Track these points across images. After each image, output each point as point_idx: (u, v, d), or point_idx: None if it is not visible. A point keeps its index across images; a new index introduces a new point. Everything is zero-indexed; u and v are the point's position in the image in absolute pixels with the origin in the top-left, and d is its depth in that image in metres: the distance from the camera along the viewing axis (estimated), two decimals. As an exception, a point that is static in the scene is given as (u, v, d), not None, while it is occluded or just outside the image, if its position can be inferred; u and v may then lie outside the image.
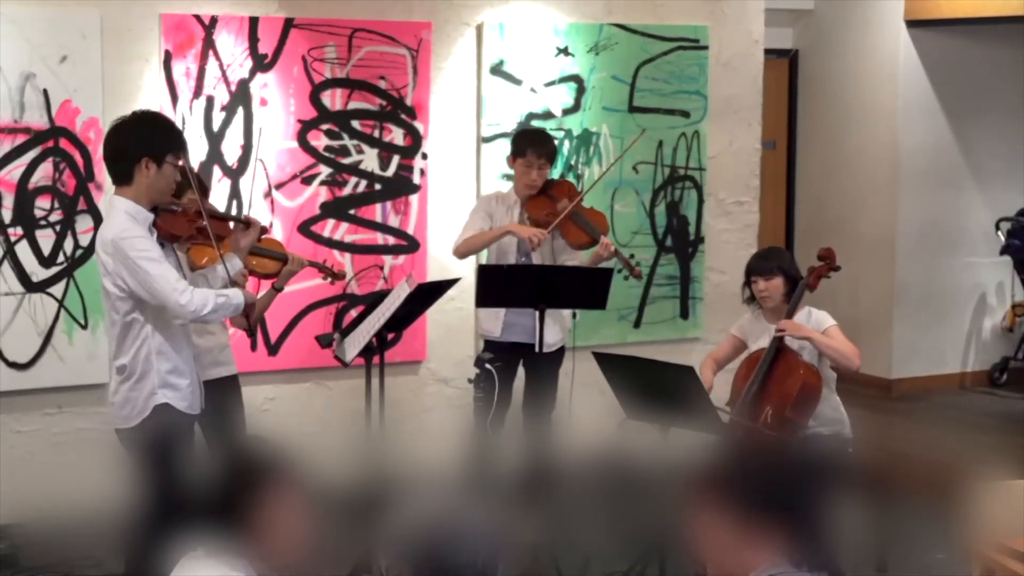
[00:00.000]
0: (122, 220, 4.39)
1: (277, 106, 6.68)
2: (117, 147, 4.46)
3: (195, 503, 2.77)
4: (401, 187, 7.00)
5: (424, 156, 7.02)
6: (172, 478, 4.31)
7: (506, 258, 6.03)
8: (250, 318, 4.83)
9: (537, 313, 5.94)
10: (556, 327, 6.08)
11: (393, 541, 2.38)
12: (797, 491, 2.46)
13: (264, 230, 5.00)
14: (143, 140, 4.43)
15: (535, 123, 7.23)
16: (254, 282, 5.63)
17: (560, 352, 6.15)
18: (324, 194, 6.83)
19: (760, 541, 2.42)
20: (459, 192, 7.04)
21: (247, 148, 6.62)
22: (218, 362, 5.27)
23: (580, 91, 7.36)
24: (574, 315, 6.94)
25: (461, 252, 6.14)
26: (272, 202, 6.65)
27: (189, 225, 4.67)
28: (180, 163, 4.49)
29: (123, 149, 4.43)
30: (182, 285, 4.37)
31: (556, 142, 6.33)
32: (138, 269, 4.34)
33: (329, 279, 5.65)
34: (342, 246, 6.82)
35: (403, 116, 6.95)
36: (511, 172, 6.21)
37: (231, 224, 4.93)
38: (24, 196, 6.21)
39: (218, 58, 6.52)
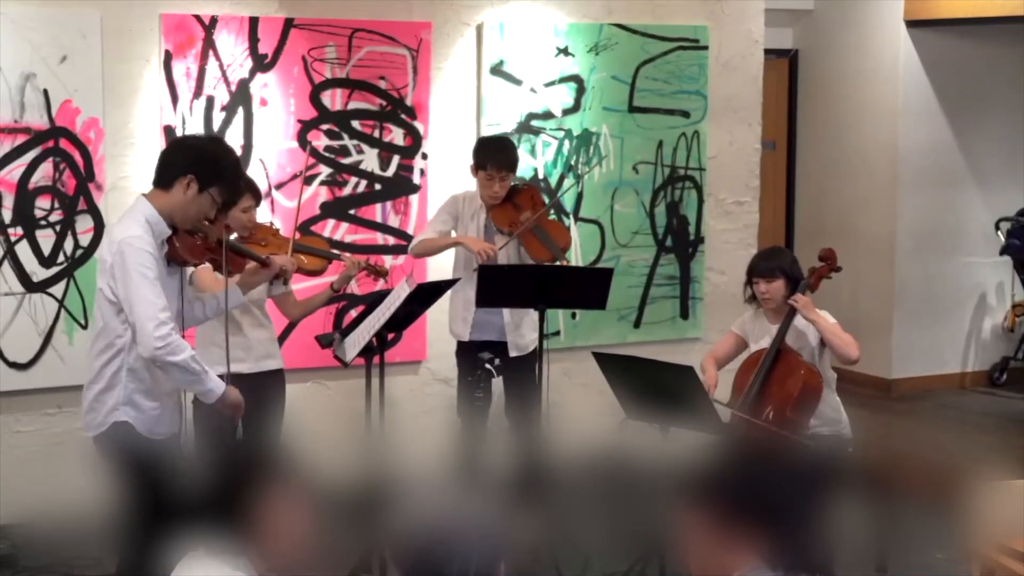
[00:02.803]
0: (136, 226, 4.21)
1: (277, 106, 6.68)
2: (175, 150, 4.37)
3: (196, 503, 2.77)
4: (401, 187, 7.00)
5: (424, 156, 7.02)
6: (133, 494, 4.18)
7: (471, 263, 6.00)
8: (224, 407, 4.45)
9: (507, 312, 5.95)
10: (527, 328, 6.07)
11: (399, 541, 2.39)
12: (781, 494, 2.47)
13: (281, 273, 4.89)
14: (202, 159, 4.27)
15: (535, 123, 7.24)
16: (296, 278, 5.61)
17: (534, 352, 6.14)
18: (324, 194, 6.84)
19: (738, 542, 2.43)
20: (459, 192, 7.03)
21: (247, 148, 6.62)
22: (269, 354, 5.34)
23: (580, 91, 7.36)
24: (573, 315, 6.97)
25: (416, 252, 6.17)
26: (272, 202, 6.65)
27: (203, 253, 4.49)
28: (219, 203, 4.31)
29: (179, 154, 4.31)
30: (164, 316, 4.14)
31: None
32: (130, 281, 4.14)
33: (375, 277, 5.72)
34: (342, 246, 6.81)
35: (403, 116, 6.96)
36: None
37: (248, 261, 4.79)
38: (24, 196, 6.21)
39: (218, 58, 6.52)
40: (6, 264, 6.22)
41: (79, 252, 6.31)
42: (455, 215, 6.09)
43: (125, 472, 4.29)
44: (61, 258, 6.31)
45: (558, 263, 5.99)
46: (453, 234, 6.11)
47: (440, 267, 6.73)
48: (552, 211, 6.42)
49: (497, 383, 6.07)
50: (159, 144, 6.18)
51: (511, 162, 6.02)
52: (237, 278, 4.80)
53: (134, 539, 4.26)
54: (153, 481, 4.15)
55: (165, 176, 4.28)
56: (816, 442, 5.15)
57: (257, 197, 5.25)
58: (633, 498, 6.59)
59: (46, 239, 6.28)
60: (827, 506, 2.57)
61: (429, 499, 2.44)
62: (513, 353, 6.01)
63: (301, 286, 5.94)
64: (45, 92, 6.20)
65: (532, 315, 6.09)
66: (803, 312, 5.19)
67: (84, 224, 6.32)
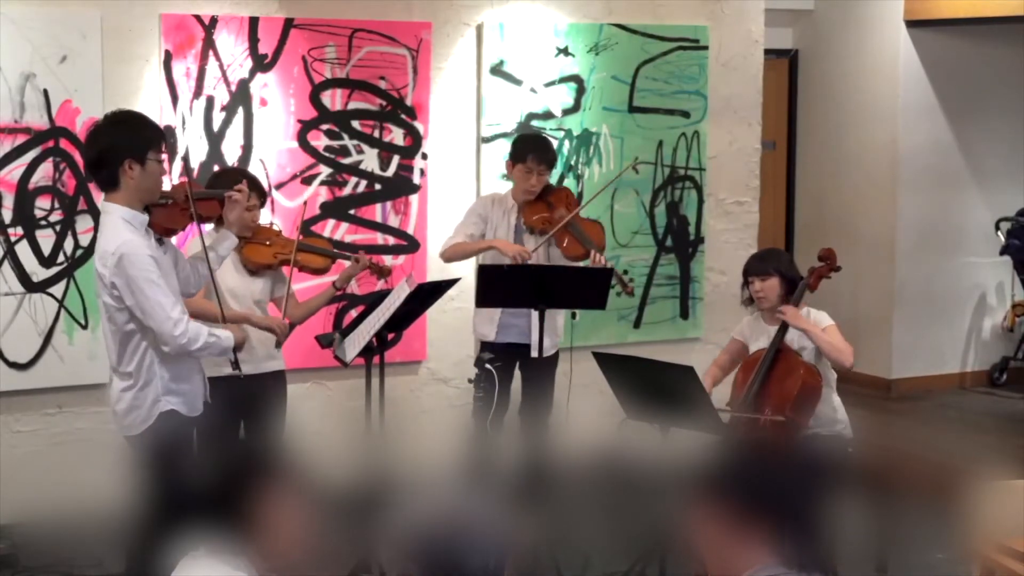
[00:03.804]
0: (121, 231, 4.34)
1: (277, 106, 6.68)
2: (97, 154, 4.39)
3: (196, 503, 2.77)
4: (401, 187, 7.00)
5: (424, 156, 7.02)
6: (179, 481, 4.31)
7: (500, 262, 5.99)
8: (237, 352, 4.65)
9: (536, 313, 5.94)
10: (549, 331, 6.06)
11: (400, 541, 2.38)
12: (793, 491, 2.47)
13: (252, 197, 5.01)
14: (122, 142, 4.35)
15: (535, 123, 7.24)
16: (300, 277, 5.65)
17: (555, 356, 6.14)
18: (324, 194, 6.84)
19: (755, 541, 2.43)
20: (459, 192, 7.04)
21: (247, 148, 6.62)
22: (272, 356, 5.37)
23: (580, 91, 7.36)
24: (573, 315, 6.95)
25: (447, 257, 6.12)
26: (272, 202, 6.64)
27: (183, 215, 4.59)
28: (163, 157, 4.45)
29: (103, 155, 4.37)
30: (177, 314, 4.33)
31: (555, 147, 6.30)
32: (137, 290, 4.30)
33: (378, 276, 5.72)
34: (342, 246, 6.81)
35: (403, 116, 6.96)
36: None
37: (219, 203, 4.83)
38: (24, 196, 6.21)
39: (218, 58, 6.52)
40: (6, 264, 6.22)
41: (79, 252, 6.31)
42: (485, 217, 6.07)
43: (169, 460, 4.42)
44: (61, 258, 6.31)
45: (589, 263, 5.93)
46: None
47: (441, 267, 6.74)
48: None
49: (516, 384, 6.08)
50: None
51: (551, 157, 6.04)
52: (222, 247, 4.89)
53: (151, 526, 4.31)
54: (193, 461, 4.29)
55: (108, 181, 4.40)
56: (816, 442, 5.15)
57: (262, 196, 5.27)
58: (633, 498, 6.60)
59: (46, 239, 6.28)
60: (829, 505, 2.57)
61: (437, 499, 2.44)
62: (534, 354, 6.00)
63: (304, 285, 5.95)
64: (45, 92, 6.20)
65: (557, 320, 6.08)
66: (792, 323, 5.19)
67: (84, 224, 6.32)
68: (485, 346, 6.13)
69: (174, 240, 4.85)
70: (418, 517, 2.39)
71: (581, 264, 6.00)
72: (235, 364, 4.61)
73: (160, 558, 4.10)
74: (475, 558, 2.32)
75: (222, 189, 4.87)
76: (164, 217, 4.53)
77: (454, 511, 2.39)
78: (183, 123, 6.43)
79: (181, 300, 4.52)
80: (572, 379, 6.22)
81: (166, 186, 4.63)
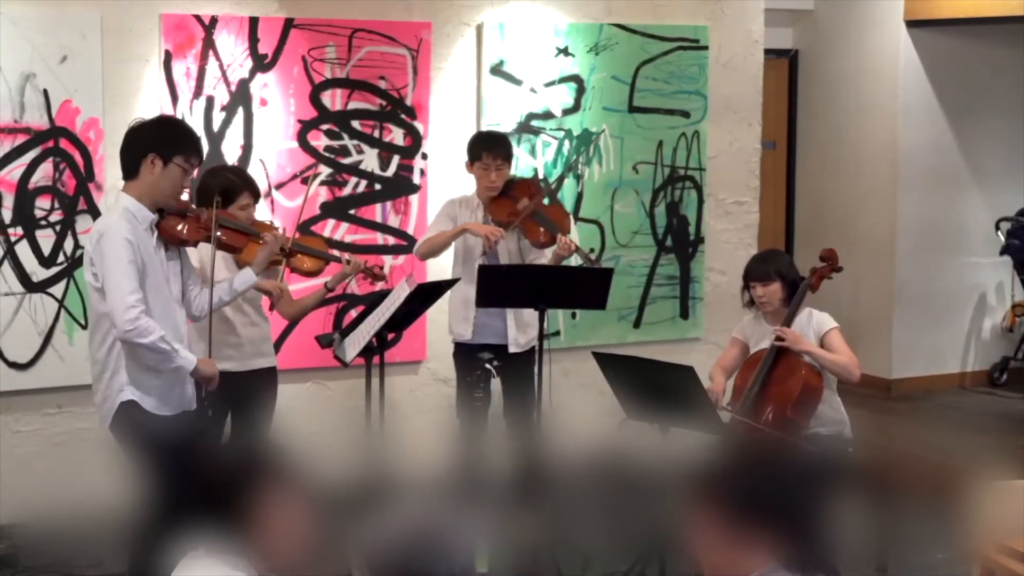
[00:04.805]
0: (117, 216, 4.41)
1: (277, 106, 6.68)
2: (129, 140, 4.51)
3: (195, 502, 2.77)
4: (401, 187, 7.00)
5: (424, 156, 7.02)
6: (152, 475, 4.32)
7: (472, 256, 5.99)
8: (203, 383, 4.65)
9: (511, 313, 5.94)
10: (522, 327, 6.06)
11: (367, 549, 2.38)
12: (794, 494, 2.46)
13: (284, 244, 5.01)
14: (156, 136, 4.47)
15: (535, 123, 7.24)
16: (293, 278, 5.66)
17: (532, 352, 6.13)
18: (324, 194, 6.84)
19: (755, 543, 2.42)
20: (459, 192, 7.02)
21: (247, 148, 6.62)
22: (261, 352, 5.37)
23: (580, 91, 7.36)
24: (573, 315, 6.97)
25: (421, 253, 6.13)
26: (272, 202, 6.65)
27: (199, 232, 4.63)
28: (190, 169, 4.50)
29: (135, 141, 4.49)
30: (133, 300, 4.31)
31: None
32: (105, 268, 4.34)
33: (372, 281, 5.71)
34: (342, 246, 6.81)
35: (403, 116, 6.96)
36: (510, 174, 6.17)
37: (247, 237, 4.92)
38: (24, 196, 6.21)
39: (218, 58, 6.52)
40: (6, 264, 6.22)
41: (79, 252, 6.30)
42: (453, 217, 6.07)
43: (138, 453, 4.43)
44: (61, 258, 6.31)
45: (557, 248, 5.92)
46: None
47: (441, 268, 6.73)
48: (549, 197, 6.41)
49: (496, 386, 6.07)
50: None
51: (505, 151, 6.02)
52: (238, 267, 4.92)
53: (149, 526, 4.31)
54: (165, 461, 4.25)
55: (130, 165, 4.49)
56: (817, 443, 5.15)
57: (255, 195, 5.26)
58: (633, 498, 6.59)
59: (46, 239, 6.28)
60: (829, 506, 2.56)
61: (411, 506, 2.43)
62: (513, 349, 6.00)
63: (298, 286, 5.94)
64: (45, 92, 6.20)
65: (525, 314, 6.08)
66: (795, 348, 5.17)
67: (84, 224, 6.32)
68: (460, 346, 6.12)
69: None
70: (395, 526, 2.39)
71: (549, 249, 6.00)
72: (201, 397, 4.61)
73: (151, 554, 4.12)
74: (440, 565, 2.31)
75: (257, 231, 4.95)
76: (177, 226, 4.54)
77: (431, 520, 2.38)
78: (183, 123, 6.43)
79: (175, 301, 4.53)
80: (572, 379, 6.24)
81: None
